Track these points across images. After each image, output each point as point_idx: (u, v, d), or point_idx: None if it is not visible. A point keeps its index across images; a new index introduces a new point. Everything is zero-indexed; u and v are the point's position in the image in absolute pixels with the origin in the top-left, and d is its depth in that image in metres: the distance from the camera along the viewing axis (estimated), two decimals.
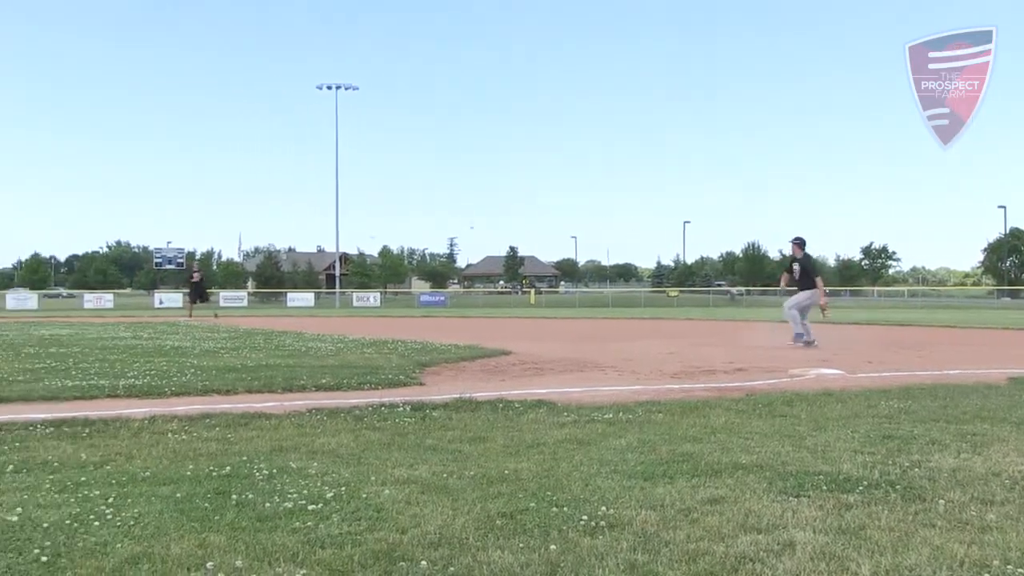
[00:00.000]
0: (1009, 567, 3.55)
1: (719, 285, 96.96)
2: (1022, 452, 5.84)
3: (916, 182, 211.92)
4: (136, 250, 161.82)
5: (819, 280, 17.48)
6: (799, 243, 17.70)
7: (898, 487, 4.82)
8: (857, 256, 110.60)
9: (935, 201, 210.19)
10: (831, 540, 3.90)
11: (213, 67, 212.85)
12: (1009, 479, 5.04)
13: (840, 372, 11.53)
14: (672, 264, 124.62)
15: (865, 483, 4.90)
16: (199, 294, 37.26)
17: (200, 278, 37.99)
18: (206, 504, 4.49)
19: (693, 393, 9.25)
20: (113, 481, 5.01)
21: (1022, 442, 6.20)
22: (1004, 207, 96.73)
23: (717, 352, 15.46)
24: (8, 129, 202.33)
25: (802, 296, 17.32)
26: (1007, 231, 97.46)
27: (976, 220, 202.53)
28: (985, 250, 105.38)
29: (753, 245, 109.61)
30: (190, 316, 36.22)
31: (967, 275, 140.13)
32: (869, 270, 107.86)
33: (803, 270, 17.48)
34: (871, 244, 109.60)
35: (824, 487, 4.84)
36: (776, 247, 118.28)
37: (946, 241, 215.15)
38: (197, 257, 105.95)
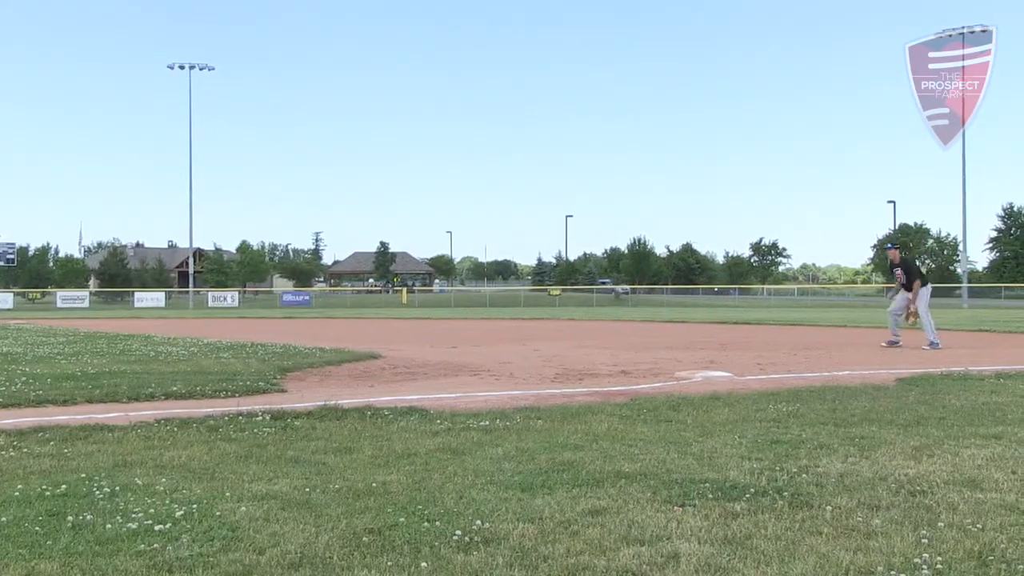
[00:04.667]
0: (893, 572, 3.68)
1: (603, 283, 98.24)
2: (908, 455, 6.07)
3: (806, 177, 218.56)
4: None
5: (916, 283, 17.90)
6: (898, 248, 18.78)
7: (785, 494, 4.95)
8: (746, 253, 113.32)
9: (825, 197, 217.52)
10: (716, 551, 3.97)
11: (51, 40, 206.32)
12: (895, 483, 5.22)
13: (728, 375, 11.78)
14: (554, 261, 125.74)
15: (752, 490, 5.02)
16: None
17: None
18: (37, 528, 4.35)
19: (574, 398, 9.34)
20: None
21: (908, 445, 6.44)
22: (893, 202, 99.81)
23: (600, 354, 15.65)
24: None
25: (901, 298, 18.24)
26: (896, 227, 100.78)
27: (866, 216, 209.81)
28: (875, 247, 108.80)
29: (639, 241, 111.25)
30: None
31: (857, 273, 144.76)
32: (759, 267, 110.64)
33: (907, 273, 18.17)
34: (760, 240, 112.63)
35: (710, 495, 4.94)
36: (663, 243, 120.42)
37: (836, 238, 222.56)
38: (31, 253, 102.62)
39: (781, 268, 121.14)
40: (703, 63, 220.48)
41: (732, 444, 6.49)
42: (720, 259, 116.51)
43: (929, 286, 18.38)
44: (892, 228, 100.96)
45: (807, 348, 17.58)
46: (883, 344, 18.03)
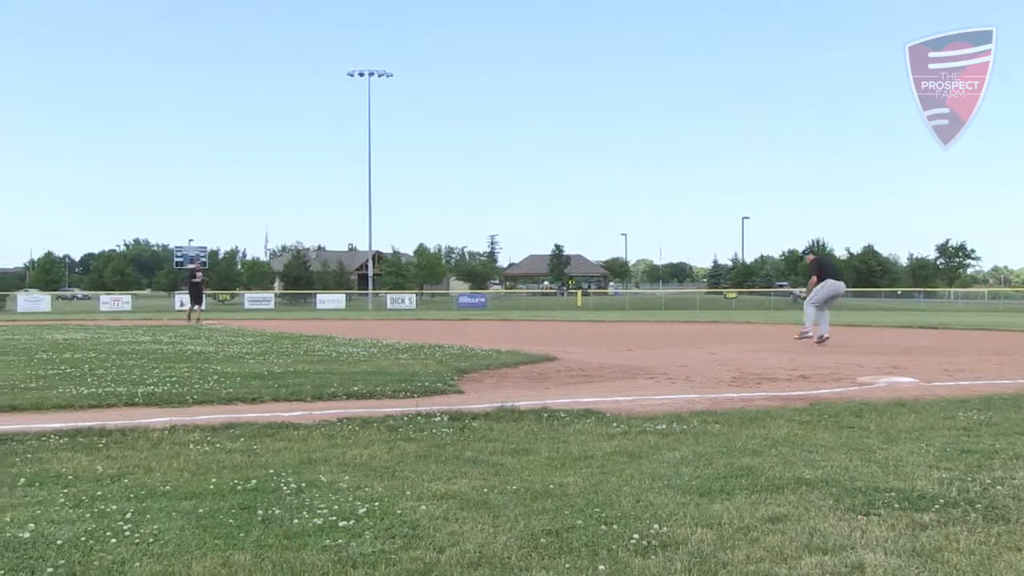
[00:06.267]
0: None
1: (781, 286, 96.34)
2: None
3: (997, 175, 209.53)
4: (155, 248, 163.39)
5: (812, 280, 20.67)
6: (810, 255, 21.64)
7: (978, 506, 4.75)
8: (932, 255, 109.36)
9: (1019, 195, 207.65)
10: (904, 563, 3.85)
11: (236, 55, 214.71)
12: None
13: (913, 380, 11.41)
14: (730, 263, 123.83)
15: (941, 501, 4.84)
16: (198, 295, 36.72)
17: (202, 279, 37.60)
18: (230, 520, 4.52)
19: (752, 402, 9.20)
20: (131, 495, 5.05)
21: None
22: None
23: (778, 358, 15.36)
24: (21, 124, 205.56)
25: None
26: None
27: None
28: None
29: (818, 243, 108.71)
30: (199, 320, 35.68)
31: None
32: (945, 270, 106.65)
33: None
34: (947, 242, 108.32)
35: (896, 505, 4.79)
36: (842, 244, 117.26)
37: None
38: (221, 256, 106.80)
39: (970, 271, 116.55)
40: (886, 58, 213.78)
41: (919, 452, 6.28)
42: (903, 261, 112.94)
43: (824, 284, 19.99)
44: None
45: (999, 354, 16.87)
46: (815, 342, 19.21)
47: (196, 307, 36.22)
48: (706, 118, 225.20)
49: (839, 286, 20.32)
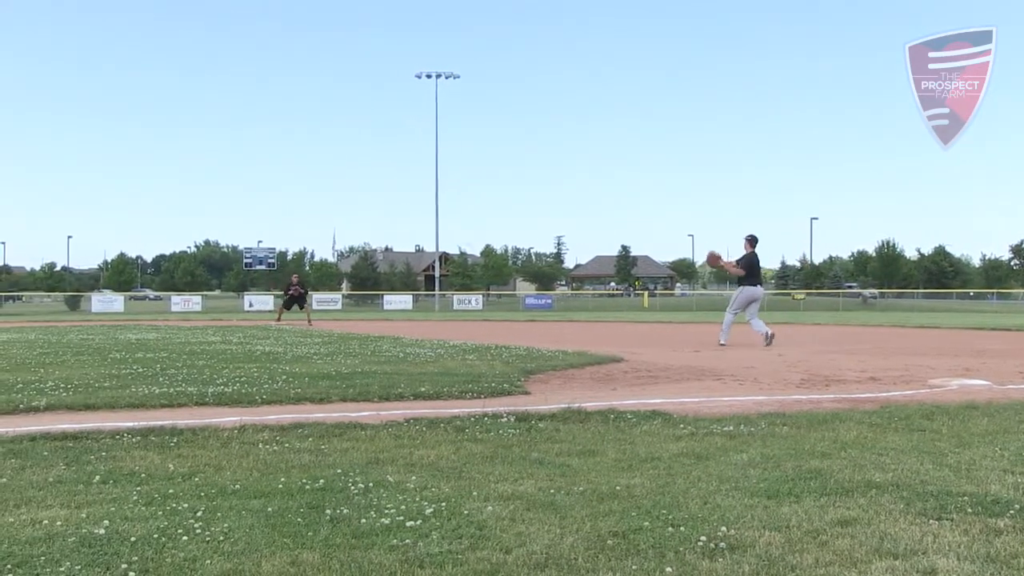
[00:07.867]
0: None
1: (850, 287, 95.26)
2: None
3: None
4: (225, 250, 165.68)
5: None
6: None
7: None
8: (1006, 256, 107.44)
9: None
10: (978, 569, 3.79)
11: (305, 56, 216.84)
12: None
13: (986, 383, 11.21)
14: (798, 264, 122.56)
15: (1017, 506, 4.75)
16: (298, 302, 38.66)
17: (296, 292, 39.12)
18: (299, 519, 4.57)
19: (821, 404, 9.10)
20: (202, 494, 5.12)
21: None
22: None
23: (847, 360, 15.18)
24: (92, 128, 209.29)
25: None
26: None
27: None
28: None
29: (888, 243, 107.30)
30: (279, 320, 37.73)
31: None
32: (1020, 271, 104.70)
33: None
34: (1022, 242, 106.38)
35: (969, 509, 4.71)
36: (913, 245, 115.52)
37: None
38: (289, 257, 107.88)
39: None
40: None
41: (992, 456, 6.17)
42: (976, 262, 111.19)
43: (740, 289, 20.13)
44: None
45: None
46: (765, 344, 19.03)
47: (291, 309, 39.41)
48: (774, 117, 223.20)
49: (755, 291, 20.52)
